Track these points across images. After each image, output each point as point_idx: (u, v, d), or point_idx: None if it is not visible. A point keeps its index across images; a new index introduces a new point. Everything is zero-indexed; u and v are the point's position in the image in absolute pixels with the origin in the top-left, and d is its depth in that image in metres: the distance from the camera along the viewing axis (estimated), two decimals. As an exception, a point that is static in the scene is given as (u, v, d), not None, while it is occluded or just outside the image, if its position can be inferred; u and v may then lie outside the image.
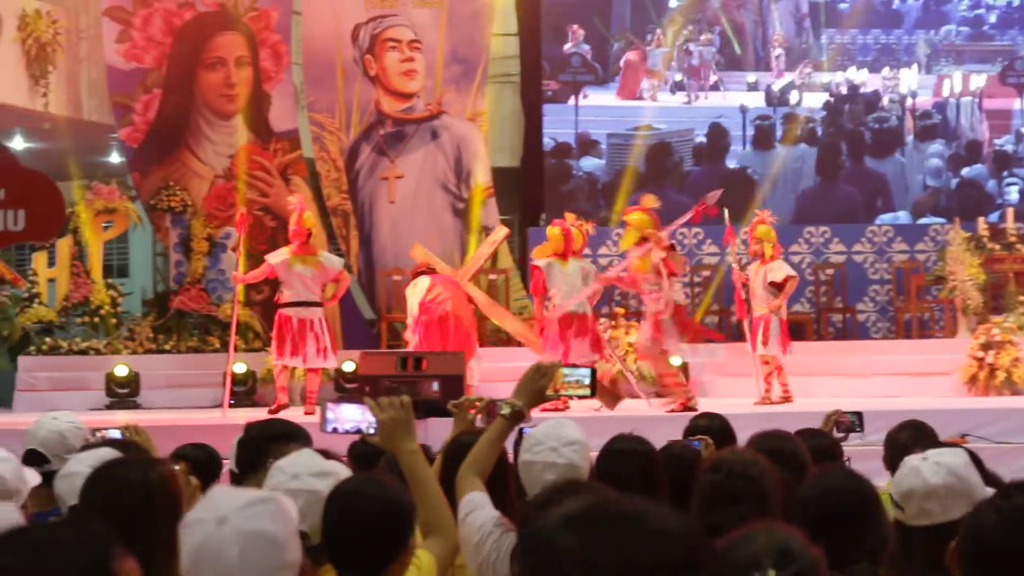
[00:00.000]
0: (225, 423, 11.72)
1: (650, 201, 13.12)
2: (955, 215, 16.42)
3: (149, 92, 16.80)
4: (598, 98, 18.04)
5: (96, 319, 15.98)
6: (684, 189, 17.69)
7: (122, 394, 14.92)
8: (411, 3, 17.11)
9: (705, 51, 18.12)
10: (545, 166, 17.72)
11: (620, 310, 15.49)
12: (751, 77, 18.19)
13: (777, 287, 13.22)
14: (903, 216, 17.71)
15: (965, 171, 17.88)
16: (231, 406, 13.56)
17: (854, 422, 6.45)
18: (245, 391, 14.64)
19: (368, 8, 17.05)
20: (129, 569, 2.06)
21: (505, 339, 15.15)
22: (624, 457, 4.43)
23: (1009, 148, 17.97)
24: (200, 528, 2.52)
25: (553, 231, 13.25)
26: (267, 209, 16.58)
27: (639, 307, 16.11)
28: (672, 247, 12.84)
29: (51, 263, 16.29)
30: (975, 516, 2.51)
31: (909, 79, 18.09)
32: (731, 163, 17.94)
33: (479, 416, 5.16)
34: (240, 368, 14.57)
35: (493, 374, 13.59)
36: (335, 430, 4.13)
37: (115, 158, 18.48)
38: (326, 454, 3.86)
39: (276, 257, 13.26)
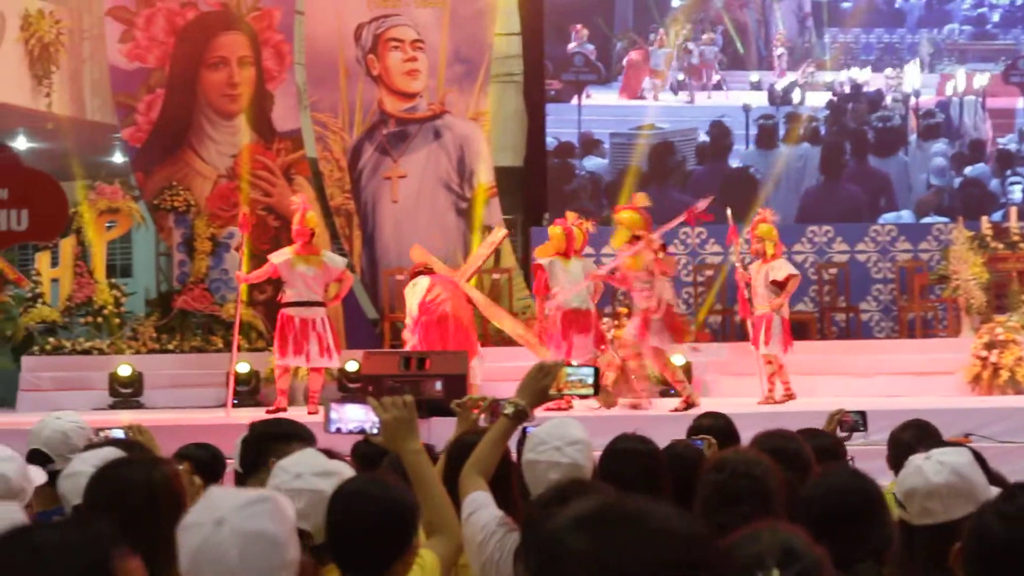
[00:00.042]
0: (228, 423, 11.73)
1: (641, 200, 13.14)
2: (958, 214, 16.42)
3: (152, 92, 16.80)
4: (601, 98, 18.04)
5: (99, 319, 15.99)
6: (687, 188, 17.69)
7: (125, 394, 14.92)
8: (414, 3, 17.11)
9: (707, 50, 18.12)
10: (548, 165, 17.73)
11: (623, 310, 15.47)
12: (754, 76, 18.19)
13: (779, 286, 13.21)
14: (906, 215, 17.70)
15: (968, 170, 17.88)
16: (234, 406, 13.56)
17: (858, 421, 6.44)
18: (248, 391, 14.64)
19: (371, 8, 17.05)
20: (132, 569, 2.06)
21: (508, 339, 15.14)
22: (627, 457, 4.43)
23: (1012, 147, 17.97)
24: (198, 530, 2.52)
25: (555, 231, 13.25)
26: (270, 209, 16.58)
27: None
28: (663, 248, 12.84)
29: (54, 263, 16.31)
30: (979, 518, 2.51)
31: (912, 78, 18.09)
32: (734, 162, 17.94)
33: (482, 416, 5.16)
34: (243, 368, 14.58)
35: (496, 374, 13.58)
36: (338, 430, 4.13)
37: (118, 158, 18.49)
38: (330, 454, 3.86)
39: (279, 257, 13.26)
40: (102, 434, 5.76)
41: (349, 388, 14.36)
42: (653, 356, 12.83)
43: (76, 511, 4.05)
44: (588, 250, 13.95)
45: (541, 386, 4.28)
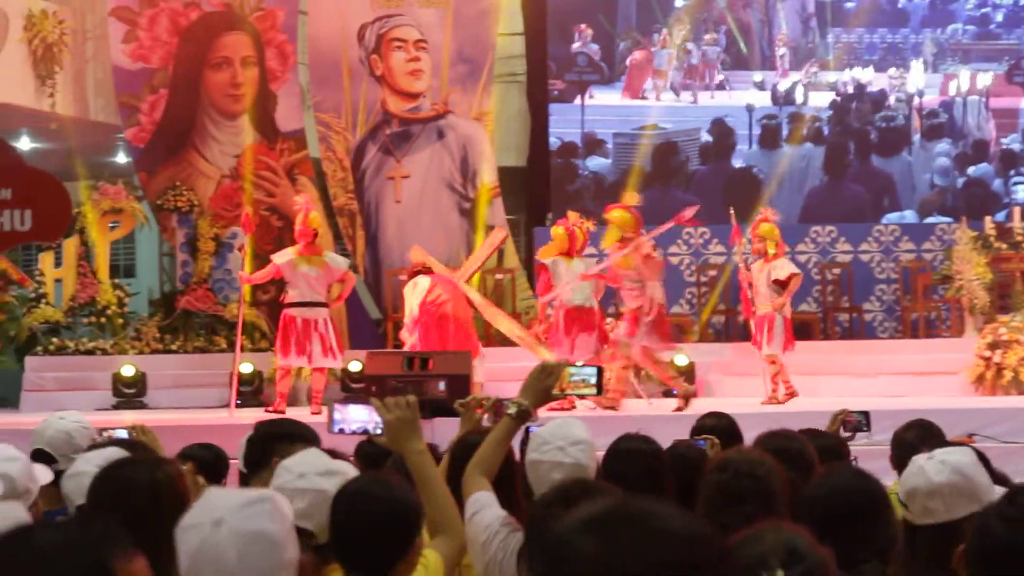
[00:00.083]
0: (232, 423, 11.73)
1: (632, 199, 13.14)
2: (961, 214, 16.40)
3: (155, 92, 16.81)
4: (604, 98, 18.04)
5: (103, 319, 16.00)
6: (690, 188, 17.70)
7: (129, 394, 14.93)
8: (417, 3, 17.11)
9: (710, 50, 18.11)
10: (551, 165, 17.73)
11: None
12: (757, 76, 18.19)
13: (781, 285, 13.20)
14: (909, 215, 17.70)
15: (971, 170, 17.87)
16: (238, 406, 13.57)
17: (861, 421, 6.45)
18: (252, 391, 14.64)
19: (374, 8, 17.06)
20: (137, 569, 2.06)
21: (511, 339, 15.14)
22: (630, 457, 4.43)
23: (1016, 147, 17.96)
24: (197, 531, 2.52)
25: (557, 231, 13.25)
26: (273, 209, 16.59)
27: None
28: (653, 250, 12.82)
29: (58, 263, 16.32)
30: (982, 520, 2.51)
31: (915, 78, 18.08)
32: (737, 162, 17.93)
33: (486, 415, 5.16)
34: (247, 368, 14.59)
35: (498, 374, 13.59)
36: (341, 431, 4.14)
37: (121, 158, 18.50)
38: (333, 454, 3.86)
39: (281, 257, 13.26)
40: (105, 434, 5.76)
41: (352, 388, 14.37)
42: (642, 356, 12.80)
43: (80, 511, 4.06)
44: (590, 250, 13.94)
45: (544, 386, 4.28)
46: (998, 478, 3.96)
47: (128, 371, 14.96)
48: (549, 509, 3.31)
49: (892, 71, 18.12)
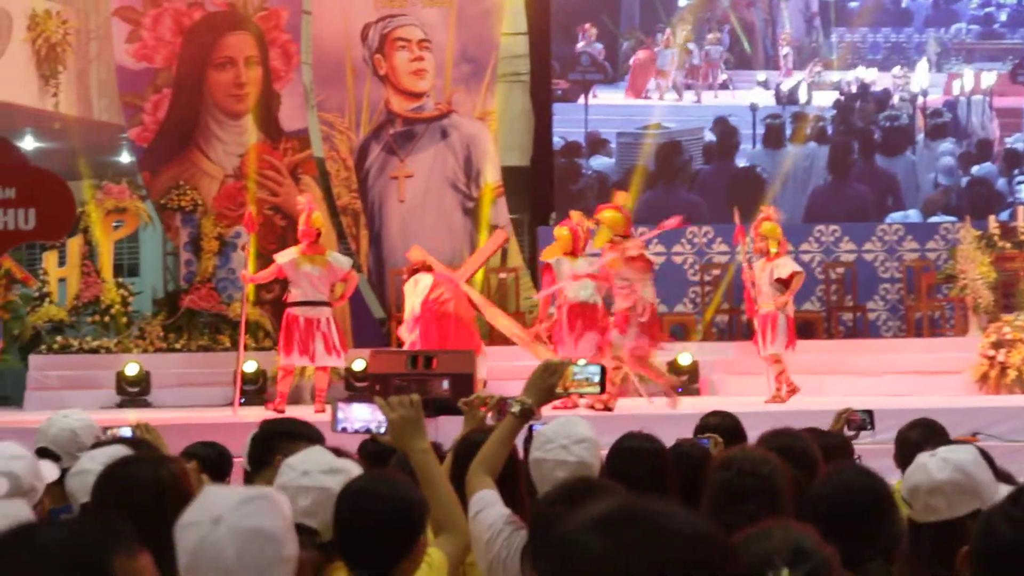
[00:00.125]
0: (236, 421, 11.74)
1: (622, 199, 13.14)
2: (965, 213, 16.40)
3: (159, 92, 16.83)
4: (607, 97, 18.04)
5: (107, 318, 16.01)
6: (694, 188, 17.71)
7: (133, 393, 14.94)
8: (420, 2, 17.12)
9: (713, 50, 18.10)
10: (555, 165, 17.72)
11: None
12: (761, 76, 18.18)
13: (783, 284, 13.20)
14: (913, 214, 17.69)
15: (975, 169, 17.86)
16: (241, 405, 13.58)
17: (865, 420, 6.44)
18: (255, 390, 14.64)
19: (377, 7, 17.06)
20: (141, 567, 2.06)
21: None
22: (634, 455, 4.42)
23: (1020, 146, 17.94)
24: (196, 529, 2.52)
25: (562, 232, 13.24)
26: (277, 208, 16.60)
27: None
28: (633, 258, 12.78)
29: (62, 262, 16.33)
30: (986, 520, 2.50)
31: (919, 77, 18.07)
32: (741, 162, 17.92)
33: (489, 414, 5.16)
34: (250, 367, 14.60)
35: (503, 373, 13.60)
36: (344, 429, 4.14)
37: (125, 158, 18.51)
38: (338, 452, 3.86)
39: (284, 257, 13.29)
40: (110, 432, 5.76)
41: (356, 387, 14.38)
42: (631, 360, 12.77)
43: (84, 509, 4.06)
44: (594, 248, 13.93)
45: (548, 384, 4.28)
46: (1002, 477, 3.95)
47: (132, 370, 14.98)
48: (553, 507, 3.31)
49: (896, 70, 18.11)
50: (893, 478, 4.17)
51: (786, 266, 13.26)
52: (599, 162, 17.90)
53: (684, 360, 14.80)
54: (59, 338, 15.70)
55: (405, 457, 4.05)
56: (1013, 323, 14.27)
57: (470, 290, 14.68)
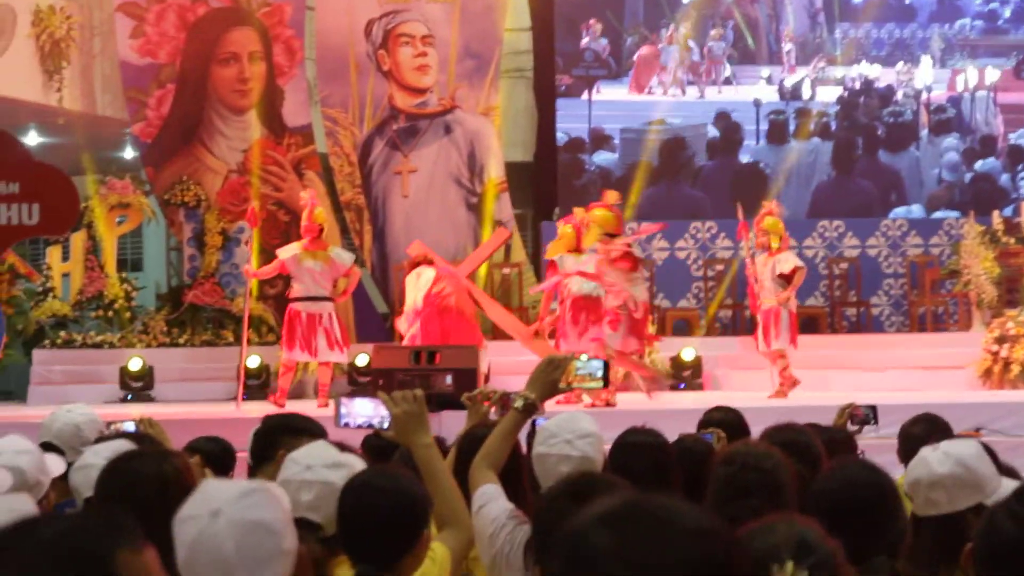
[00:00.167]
0: (239, 416, 11.77)
1: (612, 197, 13.12)
2: (969, 209, 16.39)
3: (163, 87, 16.83)
4: (611, 93, 18.03)
5: (110, 313, 16.03)
6: (697, 183, 17.70)
7: (136, 387, 14.95)
8: (424, -2, 17.14)
9: (716, 46, 18.09)
10: (558, 160, 17.72)
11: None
12: (764, 71, 18.17)
13: (785, 279, 13.20)
14: (917, 210, 17.68)
15: (979, 165, 17.85)
16: (244, 399, 13.60)
17: (868, 415, 6.44)
18: (259, 385, 14.65)
19: (381, 3, 17.06)
20: (145, 561, 2.05)
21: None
22: (637, 450, 4.42)
23: (1023, 142, 17.93)
24: (194, 523, 2.51)
25: (565, 230, 13.22)
26: (280, 204, 16.60)
27: (651, 301, 16.15)
28: (616, 259, 12.75)
29: (65, 257, 16.34)
30: (991, 517, 2.50)
31: (923, 73, 18.06)
32: (744, 157, 17.91)
33: (492, 409, 5.16)
34: (254, 362, 14.62)
35: (506, 368, 13.61)
36: (347, 424, 4.14)
37: (129, 153, 18.52)
38: (341, 447, 3.86)
39: (287, 252, 13.31)
40: (113, 427, 5.77)
41: (359, 382, 14.39)
42: (617, 357, 12.75)
43: (87, 504, 4.06)
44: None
45: (551, 379, 4.28)
46: (1006, 471, 3.95)
47: (135, 364, 14.99)
48: (556, 502, 3.31)
49: (900, 66, 18.09)
50: (896, 473, 4.16)
51: (788, 261, 13.26)
52: (602, 158, 17.90)
53: (687, 355, 14.81)
54: (63, 333, 15.72)
55: (408, 452, 4.05)
56: (1017, 318, 14.26)
57: (472, 285, 14.69)
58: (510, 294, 16.23)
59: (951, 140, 17.93)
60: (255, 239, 14.19)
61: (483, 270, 16.03)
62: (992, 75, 18.05)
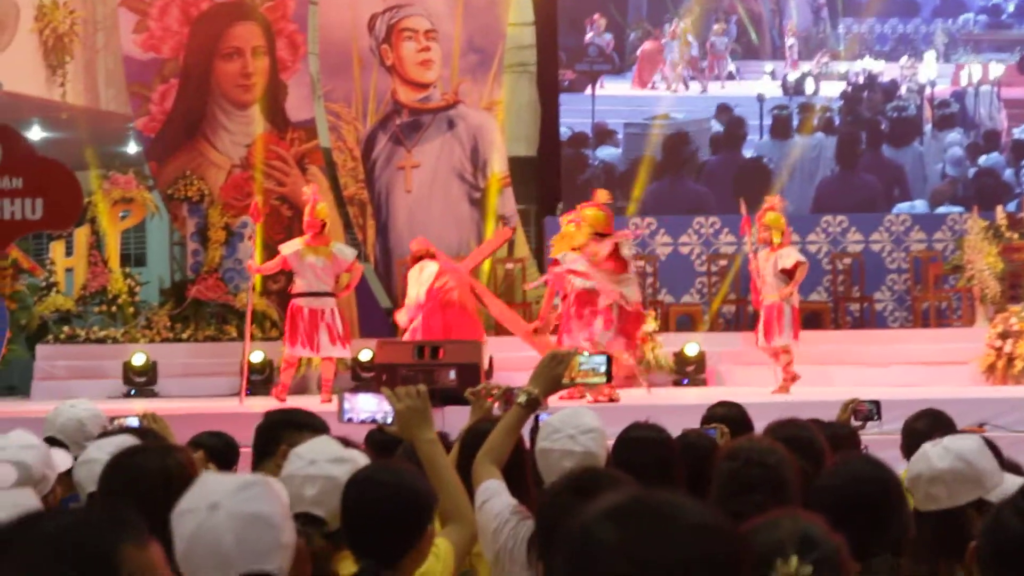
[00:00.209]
0: (242, 411, 11.77)
1: (603, 196, 13.10)
2: (972, 204, 16.37)
3: (166, 82, 16.83)
4: (614, 88, 18.02)
5: (114, 308, 16.04)
6: (701, 178, 17.70)
7: (139, 383, 14.97)
8: (427, -8, 17.13)
9: (718, 40, 18.08)
10: (561, 155, 17.71)
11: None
12: (768, 66, 18.15)
13: (788, 274, 13.19)
14: (920, 205, 17.66)
15: (982, 160, 17.83)
16: (248, 395, 13.61)
17: (872, 411, 6.45)
18: (262, 380, 14.66)
19: (384, -3, 17.07)
20: (150, 556, 2.05)
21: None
22: (640, 445, 4.43)
23: (1027, 137, 17.93)
24: (193, 516, 2.51)
25: (569, 228, 13.19)
26: (284, 198, 16.60)
27: (654, 296, 16.17)
28: (599, 262, 12.72)
29: (69, 252, 16.36)
30: (996, 514, 2.50)
31: (927, 68, 18.04)
32: (748, 152, 17.90)
33: (496, 404, 5.16)
34: (257, 357, 14.62)
35: (509, 363, 13.62)
36: (351, 420, 4.14)
37: (132, 148, 18.52)
38: (346, 442, 3.86)
39: (289, 248, 13.32)
40: (116, 422, 5.78)
41: (363, 377, 14.39)
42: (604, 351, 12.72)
43: (91, 498, 4.07)
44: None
45: (554, 374, 4.28)
46: (1010, 467, 3.95)
47: (139, 360, 15.00)
48: (559, 497, 3.31)
49: (903, 61, 18.07)
50: (900, 468, 4.16)
51: (790, 256, 13.26)
52: (606, 153, 17.89)
53: (691, 350, 14.80)
54: (66, 328, 15.72)
55: (412, 448, 4.06)
56: (1020, 314, 14.25)
57: (474, 280, 14.68)
58: (513, 289, 16.23)
59: (955, 135, 17.91)
60: (258, 234, 14.19)
61: (486, 265, 16.03)
62: (996, 70, 18.03)
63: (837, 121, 17.93)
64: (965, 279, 15.51)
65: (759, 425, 5.23)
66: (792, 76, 18.03)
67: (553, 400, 4.73)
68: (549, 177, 17.55)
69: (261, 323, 15.62)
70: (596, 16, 17.94)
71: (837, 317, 16.52)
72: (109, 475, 3.66)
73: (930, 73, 18.02)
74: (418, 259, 13.97)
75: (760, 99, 17.92)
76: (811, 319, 15.74)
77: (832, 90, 18.00)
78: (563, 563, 1.78)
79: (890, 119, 17.91)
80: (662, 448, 4.43)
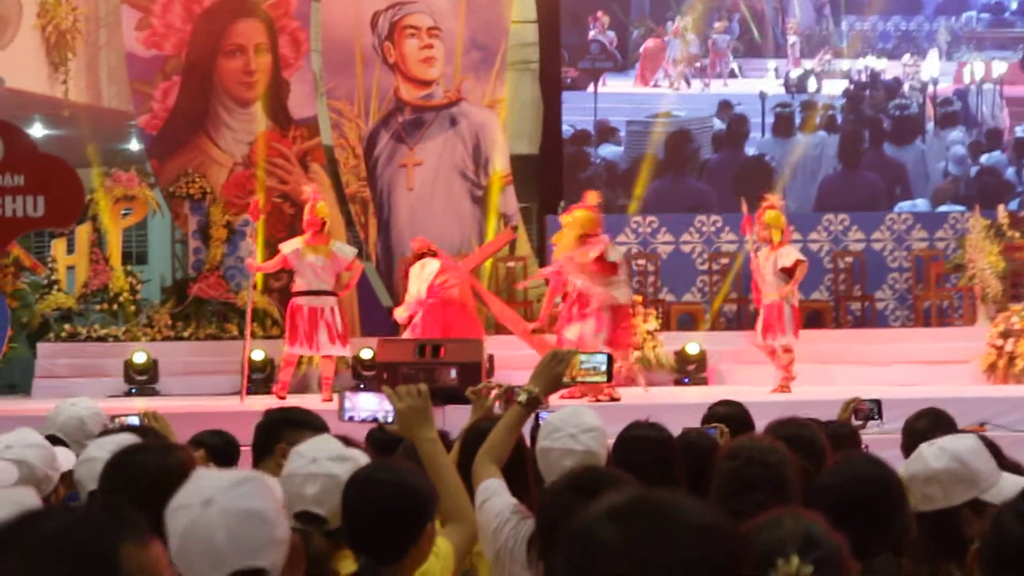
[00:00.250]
0: (243, 410, 11.75)
1: (593, 198, 13.09)
2: (974, 203, 16.36)
3: (168, 79, 16.82)
4: (617, 85, 18.02)
5: (115, 306, 16.03)
6: (703, 176, 17.69)
7: (140, 381, 14.97)
8: (430, -10, 17.13)
9: (720, 38, 18.07)
10: (564, 153, 17.71)
11: (638, 298, 15.45)
12: (770, 64, 18.14)
13: (788, 272, 13.19)
14: (922, 204, 17.66)
15: (984, 158, 17.83)
16: (249, 393, 13.61)
17: (873, 410, 6.45)
18: (263, 378, 14.66)
19: (387, -5, 17.07)
20: (151, 555, 2.05)
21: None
22: (641, 444, 4.42)
23: (1029, 136, 17.92)
24: (186, 512, 2.51)
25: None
26: (286, 196, 16.59)
27: (655, 295, 16.17)
28: (586, 262, 12.70)
29: (70, 250, 16.35)
30: (998, 517, 2.50)
31: (930, 66, 18.03)
32: (750, 150, 17.90)
33: (497, 403, 5.16)
34: (258, 355, 14.62)
35: (510, 362, 13.62)
36: (352, 419, 4.14)
37: (134, 145, 18.51)
38: (347, 441, 3.86)
39: (289, 247, 13.34)
40: (117, 421, 5.78)
41: (364, 376, 14.39)
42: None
43: (92, 497, 4.07)
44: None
45: (555, 373, 4.28)
46: (1011, 467, 3.95)
47: (140, 358, 14.99)
48: (560, 496, 3.31)
49: (906, 59, 18.06)
50: (901, 468, 4.17)
51: (790, 255, 13.25)
52: (608, 150, 17.88)
53: (692, 349, 14.80)
54: (67, 326, 15.72)
55: (412, 446, 4.05)
56: (1021, 313, 14.24)
57: (475, 279, 14.68)
58: (514, 288, 16.22)
59: (957, 133, 17.91)
60: (259, 232, 14.20)
61: (487, 263, 16.03)
62: (998, 68, 18.03)
63: (839, 119, 17.93)
64: (966, 278, 15.51)
65: (760, 424, 5.23)
66: (794, 74, 18.03)
67: (554, 399, 4.72)
68: (551, 175, 17.54)
69: (262, 321, 15.62)
70: (599, 13, 17.94)
71: (838, 316, 16.51)
72: (110, 473, 3.66)
73: (933, 71, 18.02)
74: (420, 256, 13.97)
75: (762, 97, 17.92)
76: (812, 318, 15.74)
77: (834, 88, 17.99)
78: (564, 563, 1.78)
79: (892, 117, 17.90)
80: (663, 447, 4.42)
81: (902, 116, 17.89)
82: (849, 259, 16.80)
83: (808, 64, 18.03)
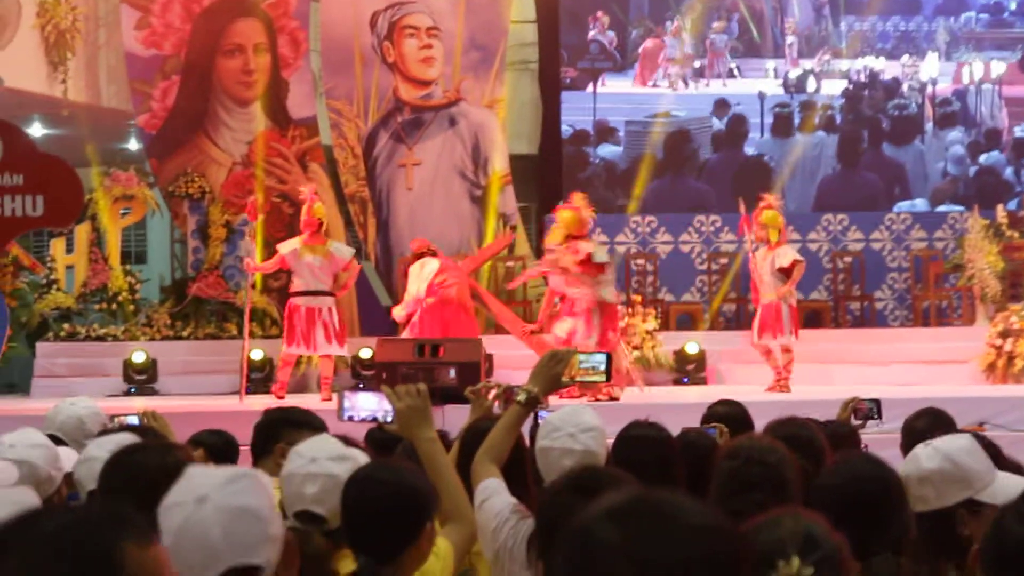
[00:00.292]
0: (242, 409, 11.75)
1: (579, 200, 13.09)
2: (973, 203, 16.37)
3: (167, 78, 16.82)
4: (616, 85, 18.01)
5: (114, 305, 16.03)
6: (702, 176, 17.68)
7: (139, 380, 14.96)
8: (429, -11, 17.12)
9: (718, 38, 18.07)
10: (563, 153, 17.70)
11: (637, 297, 15.47)
12: (769, 64, 18.14)
13: (785, 272, 13.19)
14: (921, 204, 17.66)
15: (983, 158, 17.83)
16: (248, 393, 13.61)
17: (872, 409, 6.44)
18: (262, 378, 14.66)
19: (386, -5, 17.06)
20: (152, 554, 2.04)
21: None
22: (640, 444, 4.42)
23: (1028, 136, 17.92)
24: (180, 509, 2.50)
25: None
26: (285, 196, 16.59)
27: (654, 295, 16.17)
28: (570, 264, 12.70)
29: (69, 249, 16.35)
30: (998, 519, 2.49)
31: (929, 66, 18.03)
32: (749, 150, 17.90)
33: (496, 402, 5.16)
34: (257, 355, 14.62)
35: (509, 361, 13.62)
36: (351, 418, 4.14)
37: (133, 144, 18.50)
38: (346, 441, 3.86)
39: (286, 247, 13.35)
40: (116, 420, 5.78)
41: (363, 375, 14.39)
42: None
43: (91, 496, 4.07)
44: (603, 238, 13.92)
45: (554, 373, 4.28)
46: (1011, 466, 3.95)
47: (139, 357, 14.99)
48: (559, 496, 3.31)
49: (905, 59, 18.06)
50: (900, 467, 4.17)
51: (787, 255, 13.25)
52: (607, 150, 17.88)
53: (691, 349, 14.80)
54: (66, 325, 15.72)
55: (411, 446, 4.05)
56: (1020, 312, 14.25)
57: (474, 281, 14.68)
58: (508, 288, 16.21)
59: (956, 133, 17.91)
60: (258, 232, 14.20)
61: (486, 264, 16.02)
62: (997, 68, 18.03)
63: (838, 119, 17.93)
64: (965, 278, 15.51)
65: (759, 424, 5.23)
66: (793, 74, 18.03)
67: (553, 399, 4.72)
68: (550, 175, 17.54)
69: (261, 321, 15.62)
70: (598, 14, 17.94)
71: (837, 316, 16.52)
72: (109, 473, 3.66)
73: (931, 71, 18.02)
74: (419, 256, 13.98)
75: (761, 97, 17.92)
76: (811, 318, 15.74)
77: (833, 88, 17.99)
78: (563, 562, 1.78)
79: (891, 117, 17.91)
80: (662, 447, 4.42)
81: (901, 116, 17.90)
82: (848, 259, 16.81)
83: (807, 64, 18.03)
